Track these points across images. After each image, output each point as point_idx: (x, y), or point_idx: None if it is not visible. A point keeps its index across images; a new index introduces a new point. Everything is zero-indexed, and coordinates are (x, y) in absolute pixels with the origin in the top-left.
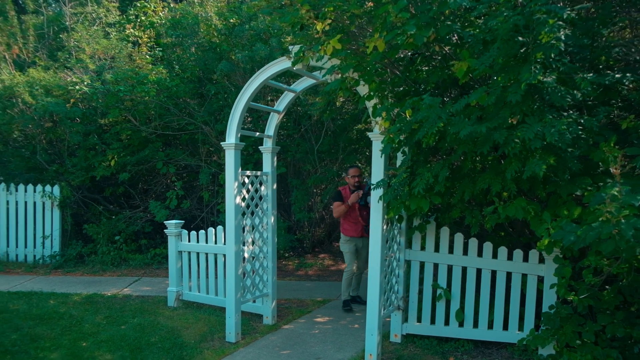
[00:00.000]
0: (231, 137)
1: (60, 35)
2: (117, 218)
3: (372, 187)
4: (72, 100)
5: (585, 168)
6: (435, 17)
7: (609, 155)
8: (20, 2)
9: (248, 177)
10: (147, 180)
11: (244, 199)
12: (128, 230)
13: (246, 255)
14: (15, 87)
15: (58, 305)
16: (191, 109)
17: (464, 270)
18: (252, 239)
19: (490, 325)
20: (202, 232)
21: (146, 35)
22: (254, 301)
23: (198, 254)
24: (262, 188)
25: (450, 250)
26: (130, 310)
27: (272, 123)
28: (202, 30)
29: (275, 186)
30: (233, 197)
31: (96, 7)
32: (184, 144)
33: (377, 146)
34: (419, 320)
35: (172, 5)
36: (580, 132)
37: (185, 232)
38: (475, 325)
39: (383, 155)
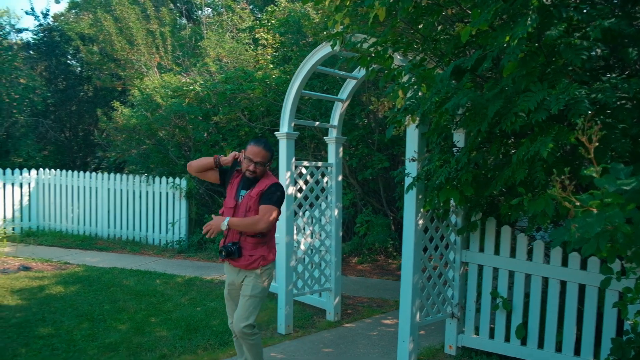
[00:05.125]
0: (284, 127)
1: (199, 44)
2: None
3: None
4: (187, 100)
5: None
6: None
7: None
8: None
9: (306, 167)
10: None
11: (300, 190)
12: None
13: (302, 247)
14: (151, 91)
15: (160, 284)
16: (298, 105)
17: (528, 278)
18: (310, 231)
19: (559, 348)
20: None
21: (271, 37)
22: (320, 295)
23: None
24: (325, 180)
25: (513, 254)
26: (215, 294)
27: (336, 112)
28: (305, 25)
29: (340, 178)
30: (285, 187)
31: (231, 15)
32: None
33: (411, 131)
34: (477, 332)
35: (282, 5)
36: (624, 102)
37: None
38: (541, 345)
39: (418, 140)
